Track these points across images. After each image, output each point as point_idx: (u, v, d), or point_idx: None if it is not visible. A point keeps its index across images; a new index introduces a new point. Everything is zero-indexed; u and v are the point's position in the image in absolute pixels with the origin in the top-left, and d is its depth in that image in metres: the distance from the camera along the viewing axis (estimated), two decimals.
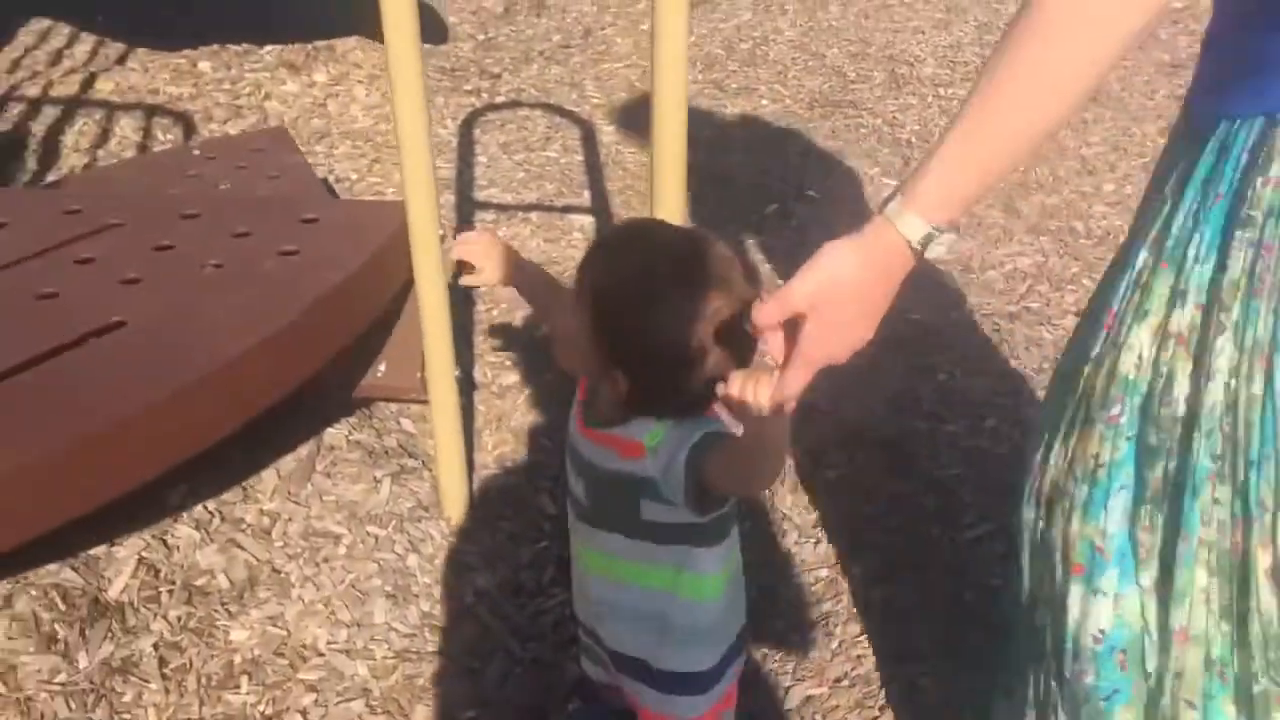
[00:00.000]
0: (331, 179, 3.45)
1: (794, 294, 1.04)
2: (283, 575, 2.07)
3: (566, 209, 3.34)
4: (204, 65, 4.11)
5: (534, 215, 3.30)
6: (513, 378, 2.62)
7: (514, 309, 2.84)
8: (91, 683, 1.86)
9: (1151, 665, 1.12)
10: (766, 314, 1.06)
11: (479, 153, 3.69)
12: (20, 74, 4.10)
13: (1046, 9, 0.94)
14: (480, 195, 3.43)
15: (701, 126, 3.83)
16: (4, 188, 2.32)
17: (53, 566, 2.01)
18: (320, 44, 4.26)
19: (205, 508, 2.17)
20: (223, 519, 2.16)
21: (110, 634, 1.93)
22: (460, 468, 2.18)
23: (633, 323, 1.20)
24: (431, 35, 4.47)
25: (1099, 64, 0.95)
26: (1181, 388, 1.06)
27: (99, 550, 2.05)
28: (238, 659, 1.93)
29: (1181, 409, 1.06)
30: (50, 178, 3.46)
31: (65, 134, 3.69)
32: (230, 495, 2.20)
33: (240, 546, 2.11)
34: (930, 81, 4.07)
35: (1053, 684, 1.22)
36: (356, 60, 4.18)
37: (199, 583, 2.04)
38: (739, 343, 1.19)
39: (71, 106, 3.82)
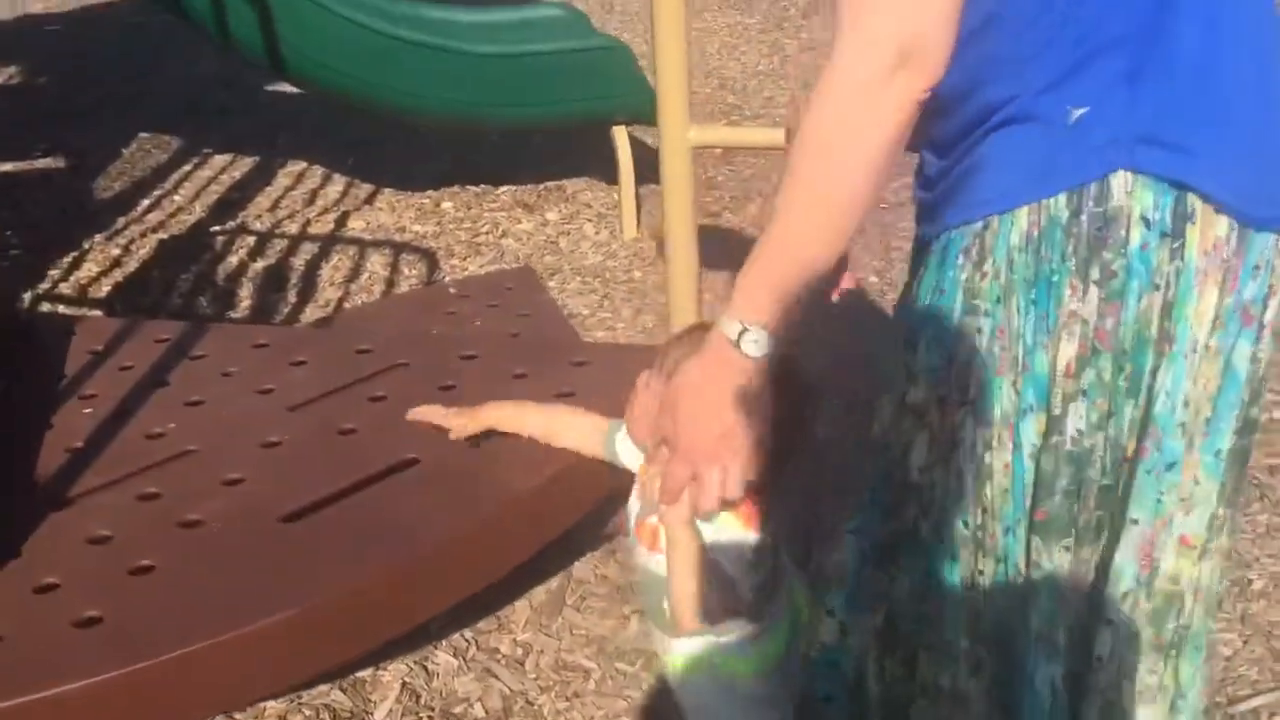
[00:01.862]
0: (565, 313, 3.59)
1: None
2: (536, 707, 2.12)
3: None
4: (446, 205, 4.38)
5: None
6: None
7: None
8: None
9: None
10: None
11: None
12: (280, 213, 4.44)
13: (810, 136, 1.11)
14: None
15: None
16: (302, 326, 2.48)
17: (323, 688, 2.11)
18: (552, 184, 4.49)
19: (463, 636, 2.25)
20: (479, 648, 2.23)
21: None
22: None
23: None
24: (651, 176, 4.64)
25: (864, 186, 1.10)
26: (919, 456, 1.22)
27: (365, 673, 2.15)
28: None
29: (915, 476, 1.22)
30: (309, 310, 3.72)
31: (322, 269, 3.96)
32: (485, 624, 2.27)
33: (495, 676, 2.17)
34: None
35: None
36: (586, 200, 4.38)
37: (457, 710, 2.10)
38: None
39: (327, 244, 4.10)
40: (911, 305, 1.24)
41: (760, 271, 1.14)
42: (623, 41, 4.25)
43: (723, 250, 4.03)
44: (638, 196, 4.16)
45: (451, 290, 2.98)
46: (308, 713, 2.06)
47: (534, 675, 2.18)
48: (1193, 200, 1.07)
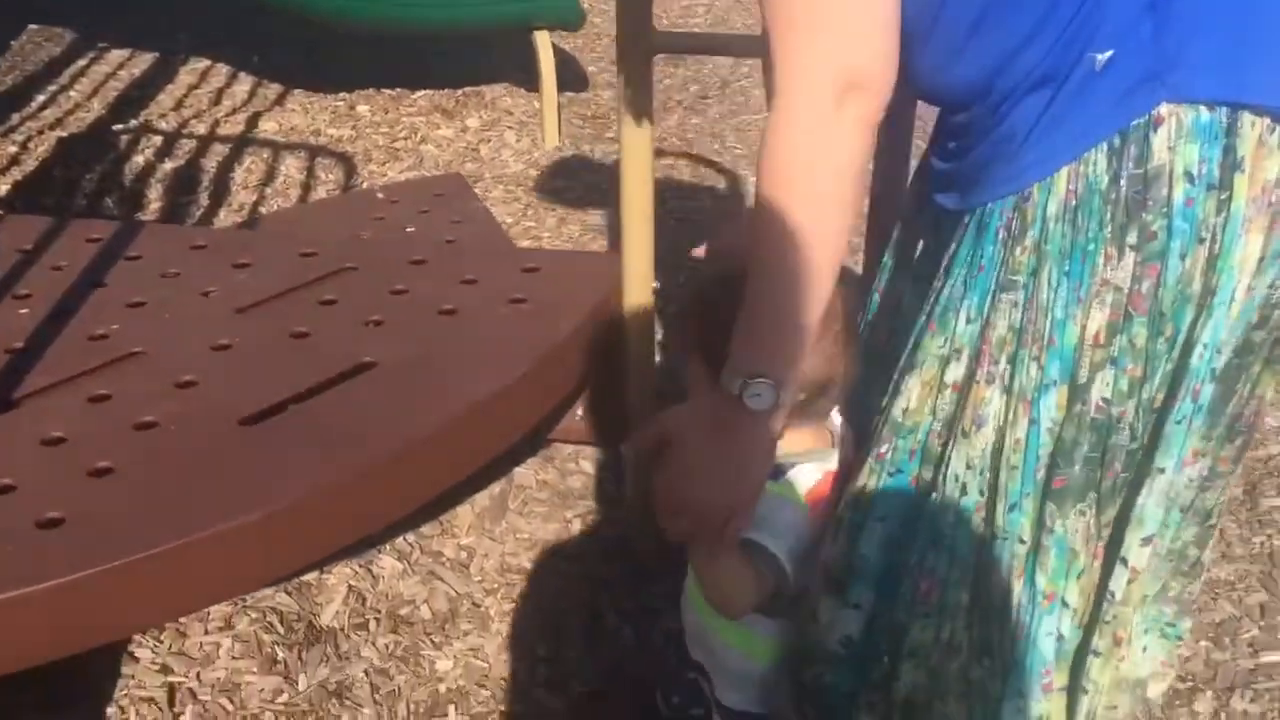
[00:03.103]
0: None
1: (658, 423, 1.23)
2: (481, 609, 2.15)
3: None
4: (362, 108, 4.27)
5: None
6: None
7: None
8: (310, 704, 1.95)
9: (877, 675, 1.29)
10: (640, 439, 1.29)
11: None
12: (185, 112, 4.28)
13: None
14: None
15: None
16: (239, 229, 2.41)
17: (269, 591, 2.11)
18: (470, 90, 4.41)
19: (406, 540, 2.26)
20: (422, 551, 2.25)
21: (325, 658, 2.02)
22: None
23: None
24: (572, 84, 4.59)
25: (837, 218, 1.09)
26: (948, 432, 1.21)
27: (310, 577, 2.15)
28: (443, 688, 2.01)
29: (941, 454, 1.21)
30: (222, 214, 3.62)
31: (234, 172, 3.85)
32: (429, 529, 2.29)
33: (440, 579, 2.20)
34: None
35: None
36: (506, 107, 4.32)
37: (403, 612, 2.13)
38: None
39: (239, 146, 3.98)
40: (947, 278, 1.20)
41: (751, 322, 1.11)
42: None
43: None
44: (559, 105, 4.11)
45: (380, 195, 2.93)
46: (254, 615, 2.06)
47: (479, 578, 2.21)
48: (1242, 143, 1.02)
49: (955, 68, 1.12)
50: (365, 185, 3.81)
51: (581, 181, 3.92)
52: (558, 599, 2.18)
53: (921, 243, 1.38)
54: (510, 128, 4.20)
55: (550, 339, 1.84)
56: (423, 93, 4.38)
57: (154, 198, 3.68)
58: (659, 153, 4.19)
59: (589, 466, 2.52)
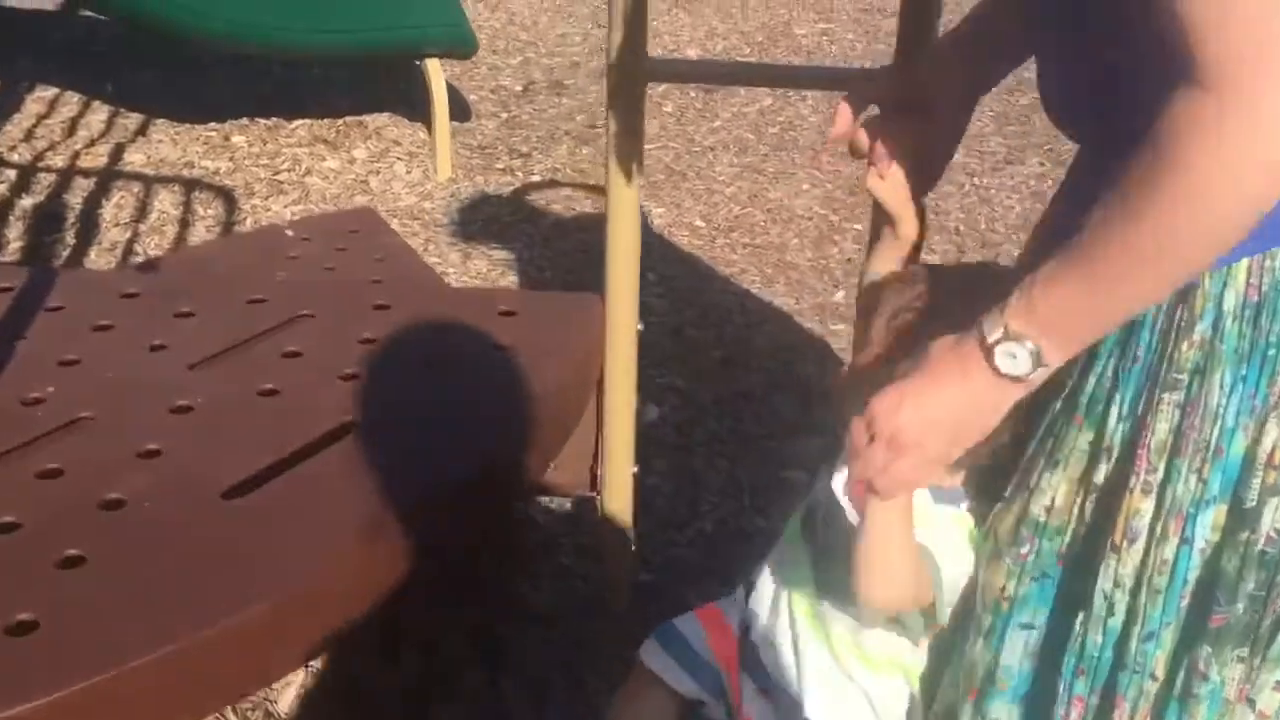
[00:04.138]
0: None
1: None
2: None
3: None
4: (237, 139, 4.01)
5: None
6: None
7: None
8: None
9: None
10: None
11: (533, 234, 3.65)
12: (38, 143, 3.94)
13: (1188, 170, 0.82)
14: (547, 277, 3.39)
15: (750, 209, 3.86)
16: (168, 272, 2.13)
17: None
18: (351, 119, 4.19)
19: None
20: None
21: None
22: (626, 564, 2.13)
23: None
24: (456, 113, 4.43)
25: (1208, 258, 0.88)
26: (1096, 543, 1.08)
27: None
28: None
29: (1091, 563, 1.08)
30: (93, 254, 3.32)
31: (102, 208, 3.55)
32: None
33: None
34: (962, 169, 4.17)
35: None
36: (394, 137, 4.12)
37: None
38: None
39: (105, 180, 3.68)
40: (1092, 362, 1.07)
41: (1058, 287, 0.91)
42: None
43: (543, 202, 3.92)
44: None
45: (289, 232, 2.71)
46: None
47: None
48: None
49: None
50: (249, 221, 3.57)
51: (480, 214, 3.76)
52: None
53: None
54: (400, 159, 4.01)
55: (547, 388, 1.70)
56: (301, 122, 4.15)
57: (14, 237, 3.35)
58: (553, 184, 4.07)
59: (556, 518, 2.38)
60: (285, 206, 3.66)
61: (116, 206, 3.57)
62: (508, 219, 3.76)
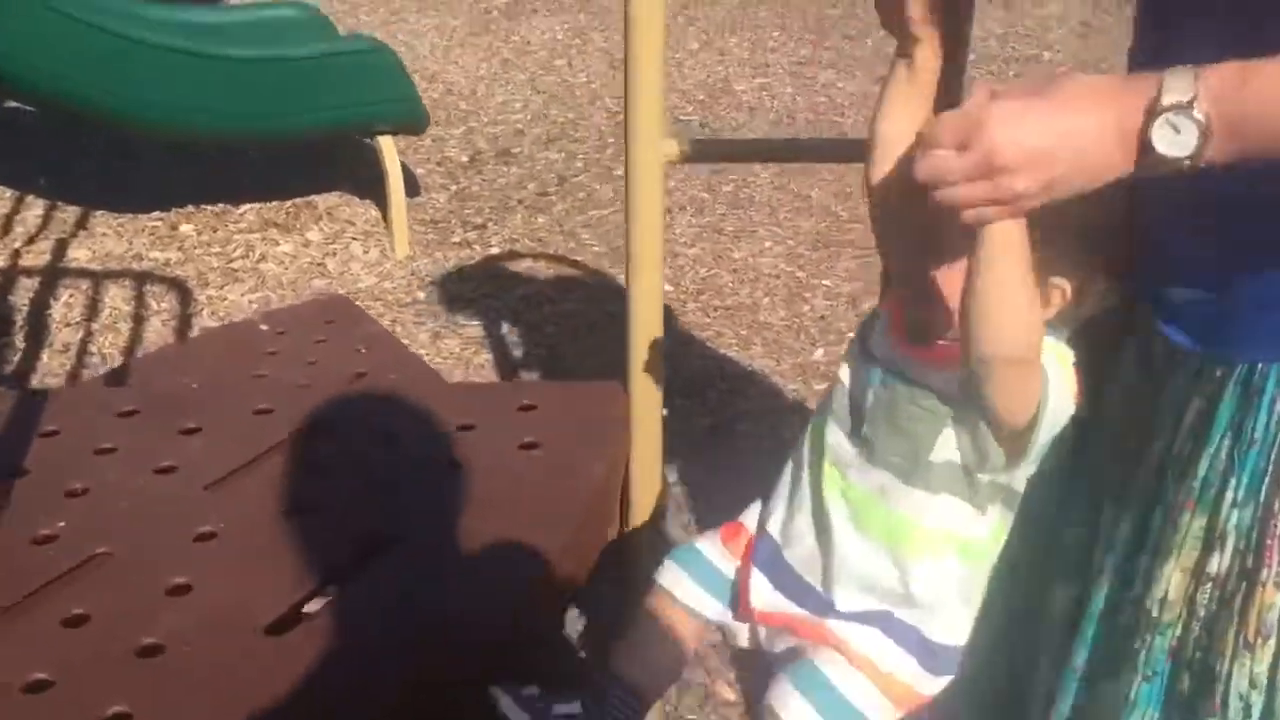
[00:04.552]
0: None
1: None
2: None
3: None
4: (185, 228, 3.89)
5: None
6: None
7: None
8: None
9: None
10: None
11: (501, 308, 3.57)
12: None
13: None
14: (523, 354, 3.31)
15: (716, 270, 3.83)
16: (164, 385, 2.02)
17: None
18: (300, 200, 4.10)
19: None
20: None
21: None
22: None
23: None
24: (405, 188, 4.36)
25: None
26: (1222, 639, 1.02)
27: None
28: None
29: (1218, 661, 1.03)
30: (46, 356, 3.18)
31: (51, 307, 3.40)
32: None
33: None
34: None
35: None
36: (346, 217, 4.03)
37: None
38: None
39: (50, 277, 3.53)
40: (1203, 445, 1.02)
41: (1260, 77, 0.80)
42: (382, 42, 3.93)
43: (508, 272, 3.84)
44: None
45: (263, 327, 2.62)
46: None
47: None
48: None
49: None
50: (205, 312, 3.45)
51: (444, 291, 3.68)
52: None
53: (1122, 375, 1.15)
54: (355, 239, 3.92)
55: (587, 488, 1.63)
56: (249, 205, 4.04)
57: None
58: (514, 255, 4.01)
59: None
60: (242, 295, 3.55)
61: (65, 306, 3.43)
62: (471, 294, 3.68)
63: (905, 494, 1.19)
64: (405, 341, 3.33)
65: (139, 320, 3.39)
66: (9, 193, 4.14)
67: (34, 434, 1.71)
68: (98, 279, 3.55)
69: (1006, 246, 0.95)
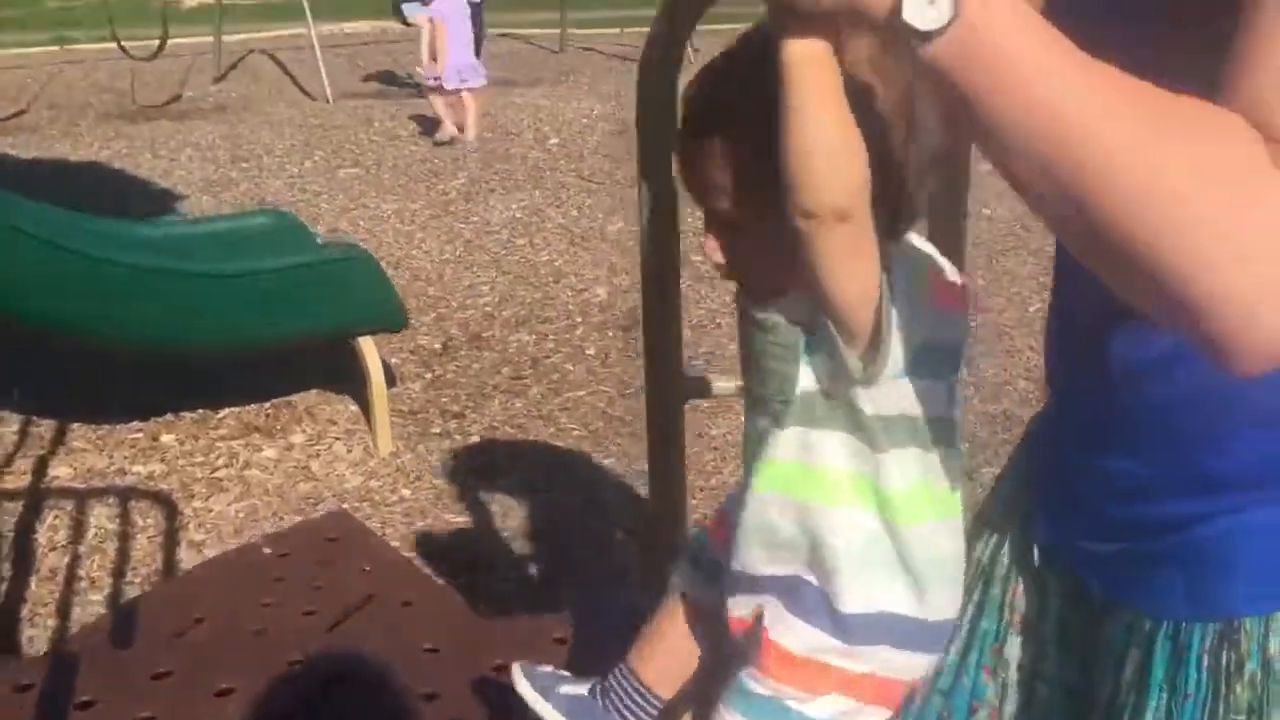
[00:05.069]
0: None
1: None
2: None
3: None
4: (166, 438, 3.89)
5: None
6: None
7: None
8: None
9: None
10: None
11: (489, 501, 3.60)
12: None
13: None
14: (526, 553, 3.32)
15: (697, 448, 3.89)
16: (188, 641, 2.01)
17: None
18: (279, 401, 4.13)
19: None
20: None
21: None
22: None
23: None
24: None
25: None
26: None
27: None
28: None
29: None
30: (33, 584, 3.14)
31: (36, 531, 3.37)
32: None
33: None
34: None
35: None
36: (328, 417, 4.06)
37: None
38: None
39: (33, 500, 3.51)
40: (1141, 696, 1.00)
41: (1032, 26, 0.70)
42: (362, 248, 4.03)
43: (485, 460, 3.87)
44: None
45: (266, 550, 2.62)
46: None
47: None
48: None
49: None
50: (192, 526, 3.44)
51: (429, 485, 3.71)
52: None
53: (1056, 613, 1.12)
54: (338, 438, 3.95)
55: None
56: (228, 410, 4.06)
57: None
58: (493, 444, 4.05)
59: None
60: (229, 505, 3.54)
61: (50, 528, 3.40)
62: (460, 487, 3.70)
63: (787, 435, 1.11)
64: (397, 543, 3.35)
65: (125, 539, 3.37)
66: None
67: (70, 705, 1.70)
68: (80, 498, 3.53)
69: (811, 63, 0.86)
